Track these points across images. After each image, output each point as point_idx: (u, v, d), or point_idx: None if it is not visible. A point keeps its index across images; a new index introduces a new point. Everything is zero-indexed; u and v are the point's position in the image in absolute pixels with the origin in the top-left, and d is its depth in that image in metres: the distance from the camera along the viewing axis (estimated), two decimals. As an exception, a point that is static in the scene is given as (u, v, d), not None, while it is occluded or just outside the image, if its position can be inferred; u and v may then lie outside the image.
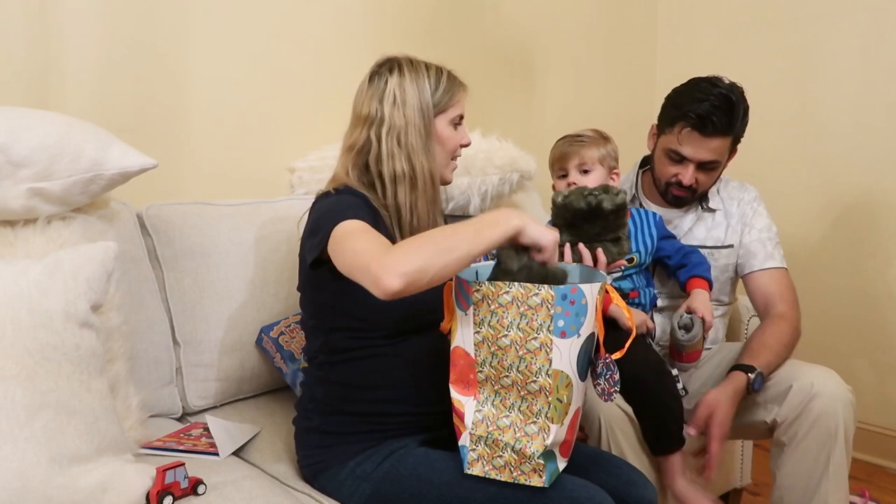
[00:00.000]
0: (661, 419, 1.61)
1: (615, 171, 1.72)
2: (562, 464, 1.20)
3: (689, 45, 2.86)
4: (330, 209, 1.29)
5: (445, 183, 1.46)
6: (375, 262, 1.11)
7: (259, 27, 1.97)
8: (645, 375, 1.60)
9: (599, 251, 1.47)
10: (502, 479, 1.19)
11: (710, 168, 1.77)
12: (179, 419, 1.62)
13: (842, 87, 2.50)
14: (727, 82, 1.75)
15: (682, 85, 1.80)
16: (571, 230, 1.48)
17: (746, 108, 1.75)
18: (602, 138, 1.71)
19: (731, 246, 1.86)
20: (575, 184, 1.66)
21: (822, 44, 2.53)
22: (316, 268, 1.30)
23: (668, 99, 1.81)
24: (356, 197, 1.34)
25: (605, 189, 1.48)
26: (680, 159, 1.76)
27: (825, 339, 2.56)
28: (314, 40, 2.07)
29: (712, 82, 1.74)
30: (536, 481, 1.17)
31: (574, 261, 1.44)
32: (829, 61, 2.52)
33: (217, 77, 1.91)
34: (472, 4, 2.42)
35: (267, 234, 1.72)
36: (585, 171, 1.67)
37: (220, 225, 1.68)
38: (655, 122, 1.86)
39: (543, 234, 1.16)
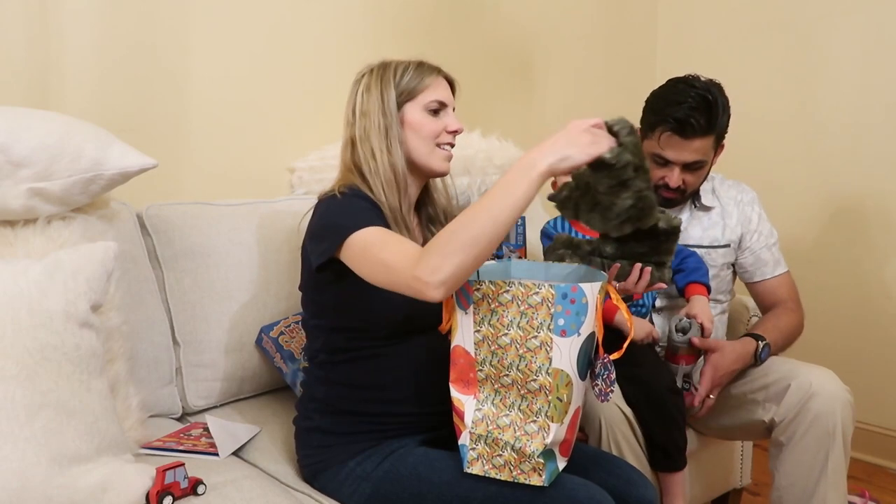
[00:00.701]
0: (671, 436, 1.63)
1: None
2: (561, 463, 1.20)
3: (689, 45, 2.86)
4: (338, 214, 1.29)
5: (438, 173, 1.43)
6: (412, 278, 1.11)
7: (259, 27, 1.97)
8: (662, 393, 1.62)
9: (647, 270, 1.38)
10: (502, 478, 1.19)
11: (696, 168, 1.76)
12: (179, 419, 1.62)
13: (842, 87, 2.50)
14: (704, 80, 1.74)
15: (659, 87, 1.79)
16: (617, 243, 1.40)
17: (726, 104, 1.74)
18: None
19: (727, 245, 1.86)
20: None
21: (822, 44, 2.53)
22: (321, 271, 1.30)
23: (648, 103, 1.80)
24: (361, 199, 1.35)
25: (662, 210, 1.39)
26: (664, 163, 1.75)
27: (825, 338, 2.55)
28: (314, 40, 2.07)
29: (688, 83, 1.73)
30: (536, 480, 1.17)
31: (619, 277, 1.38)
32: (829, 61, 2.52)
33: (217, 77, 1.91)
34: (472, 4, 2.42)
35: (267, 234, 1.72)
36: None
37: (220, 225, 1.68)
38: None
39: (580, 153, 1.12)
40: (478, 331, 1.18)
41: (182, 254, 1.63)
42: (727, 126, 1.77)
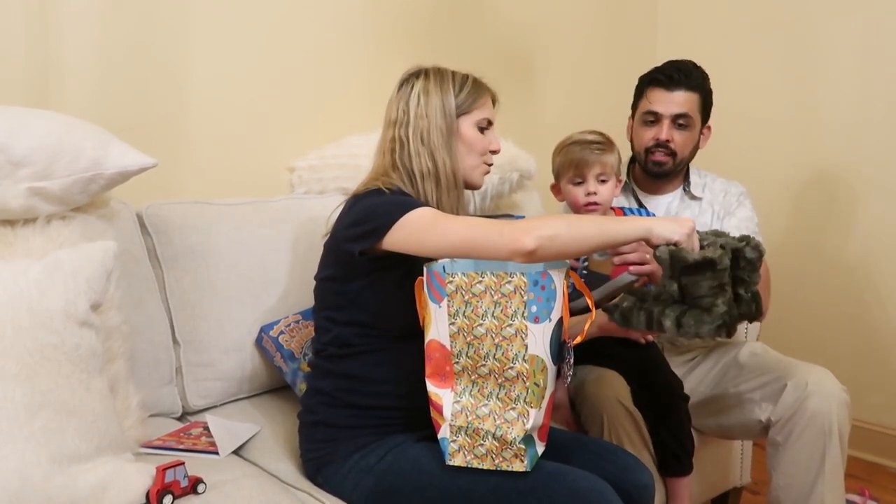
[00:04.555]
0: (681, 441, 1.65)
1: (619, 177, 1.72)
2: (540, 448, 1.23)
3: (689, 45, 2.85)
4: (392, 202, 1.30)
5: (475, 187, 1.49)
6: (508, 227, 1.17)
7: (259, 27, 1.97)
8: (674, 399, 1.65)
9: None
10: (484, 468, 1.21)
11: (683, 125, 1.84)
12: (179, 419, 1.62)
13: (842, 86, 2.49)
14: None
15: None
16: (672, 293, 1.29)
17: (706, 79, 1.88)
18: (610, 142, 1.70)
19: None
20: (594, 193, 1.65)
21: (821, 43, 2.53)
22: (363, 255, 1.31)
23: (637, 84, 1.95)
24: (410, 196, 1.37)
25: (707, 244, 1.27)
26: (654, 119, 1.85)
27: (823, 337, 2.56)
28: (314, 40, 2.07)
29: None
30: (518, 466, 1.19)
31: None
32: (828, 60, 2.52)
33: (217, 77, 1.91)
34: (472, 4, 2.42)
35: (267, 233, 1.72)
36: (603, 181, 1.66)
37: (220, 224, 1.68)
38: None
39: (675, 231, 1.21)
40: (452, 323, 1.20)
41: (182, 253, 1.63)
42: (710, 101, 1.88)
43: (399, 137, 1.42)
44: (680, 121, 1.83)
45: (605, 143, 1.68)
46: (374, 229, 1.27)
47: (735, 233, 1.80)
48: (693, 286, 1.21)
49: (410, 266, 1.31)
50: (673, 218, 1.25)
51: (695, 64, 1.88)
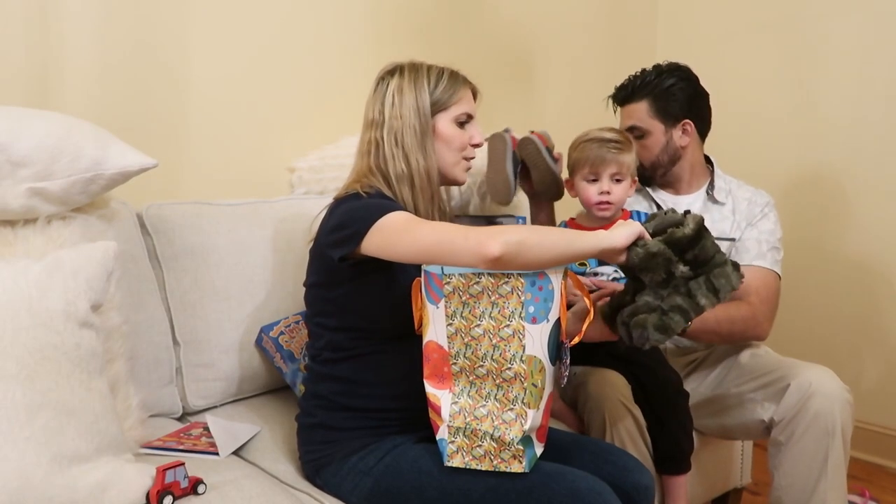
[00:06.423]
0: (678, 440, 1.65)
1: (635, 178, 1.69)
2: (539, 449, 1.23)
3: (689, 44, 2.86)
4: (369, 206, 1.29)
5: (457, 183, 1.48)
6: (474, 231, 1.15)
7: (259, 27, 1.97)
8: (672, 397, 1.65)
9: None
10: (482, 469, 1.21)
11: (638, 136, 1.85)
12: (179, 419, 1.62)
13: (842, 86, 2.49)
14: (667, 62, 1.88)
15: None
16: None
17: (662, 80, 1.84)
18: (629, 142, 1.67)
19: (733, 239, 1.86)
20: (608, 192, 1.62)
21: (821, 42, 2.53)
22: (343, 261, 1.30)
23: None
24: (388, 199, 1.36)
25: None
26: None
27: (826, 336, 2.56)
28: (314, 40, 2.07)
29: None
30: (517, 467, 1.19)
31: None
32: (828, 60, 2.52)
33: (217, 77, 1.91)
34: (472, 4, 2.42)
35: (267, 233, 1.72)
36: (618, 180, 1.63)
37: (220, 225, 1.68)
38: None
39: (633, 229, 1.22)
40: (450, 324, 1.19)
41: (182, 253, 1.63)
42: (672, 99, 1.84)
43: (375, 139, 1.40)
44: (633, 133, 1.84)
45: (624, 143, 1.64)
46: (351, 235, 1.26)
47: (755, 245, 1.82)
48: (702, 252, 1.25)
49: (394, 270, 1.30)
50: (617, 224, 1.25)
51: (662, 70, 1.86)
